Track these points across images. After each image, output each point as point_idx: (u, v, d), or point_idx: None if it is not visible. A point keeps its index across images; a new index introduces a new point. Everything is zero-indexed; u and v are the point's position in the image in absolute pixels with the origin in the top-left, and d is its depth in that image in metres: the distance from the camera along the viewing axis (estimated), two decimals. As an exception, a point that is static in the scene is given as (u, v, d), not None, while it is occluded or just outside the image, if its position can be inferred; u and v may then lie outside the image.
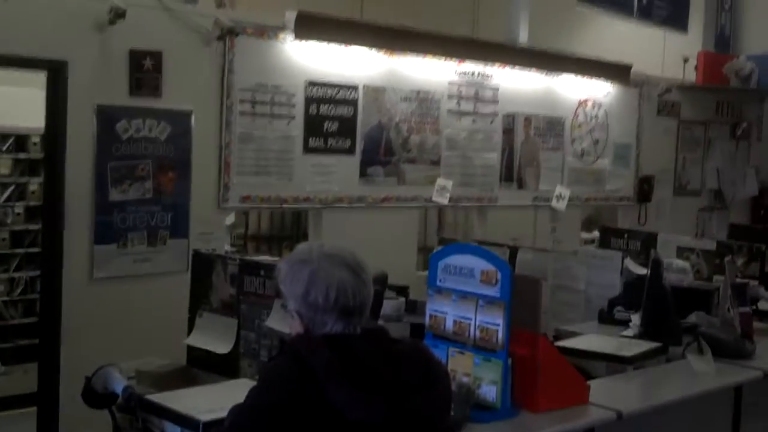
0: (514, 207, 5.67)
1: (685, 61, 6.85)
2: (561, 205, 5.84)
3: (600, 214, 6.80)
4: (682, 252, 4.66)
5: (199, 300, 3.02)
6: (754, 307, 3.98)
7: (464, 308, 2.59)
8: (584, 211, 6.58)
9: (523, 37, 5.72)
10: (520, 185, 5.69)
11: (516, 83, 5.56)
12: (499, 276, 2.52)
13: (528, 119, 5.67)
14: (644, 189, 6.63)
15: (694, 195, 7.15)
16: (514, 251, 4.36)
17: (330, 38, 4.52)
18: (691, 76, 6.93)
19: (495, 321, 2.52)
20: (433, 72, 5.08)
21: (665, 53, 6.79)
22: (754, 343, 3.51)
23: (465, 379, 2.54)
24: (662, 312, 3.58)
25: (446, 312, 2.64)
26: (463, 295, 2.59)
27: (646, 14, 6.17)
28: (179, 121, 4.03)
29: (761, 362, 3.38)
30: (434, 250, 2.83)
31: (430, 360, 2.08)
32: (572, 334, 3.54)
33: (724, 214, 7.13)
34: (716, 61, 6.97)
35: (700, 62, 6.92)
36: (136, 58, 3.87)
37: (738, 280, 4.02)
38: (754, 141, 7.57)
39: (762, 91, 7.11)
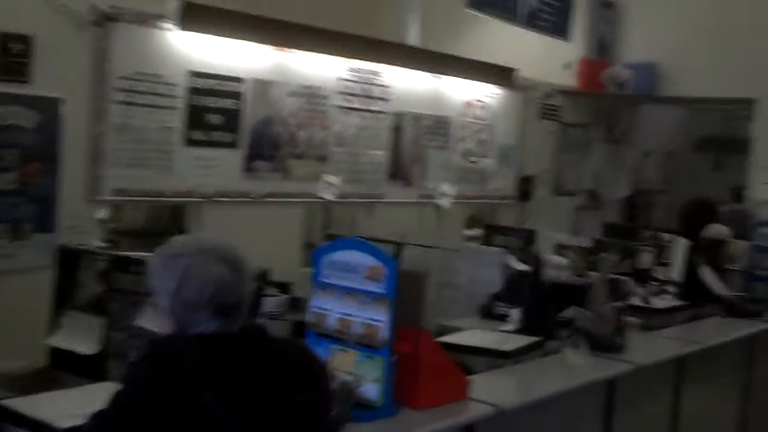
0: (400, 204, 5.69)
1: (567, 67, 7.06)
2: (446, 203, 5.91)
3: (483, 212, 6.92)
4: (559, 249, 4.79)
5: (64, 298, 2.87)
6: (625, 303, 4.14)
7: (348, 305, 2.57)
8: (468, 208, 6.68)
9: (413, 38, 5.75)
10: (407, 183, 5.72)
11: (405, 82, 5.58)
12: (384, 272, 2.51)
13: (416, 118, 5.71)
14: (525, 188, 6.79)
15: (572, 195, 7.37)
16: (399, 247, 4.38)
17: (217, 30, 4.41)
18: (572, 81, 7.14)
19: (379, 318, 2.51)
20: (322, 68, 5.04)
21: (550, 59, 6.97)
22: (626, 337, 3.63)
23: (346, 378, 2.51)
24: (541, 307, 3.66)
25: (330, 309, 2.60)
26: (348, 292, 2.56)
27: (531, 21, 6.30)
28: (48, 109, 3.81)
29: (632, 356, 3.51)
30: (321, 245, 2.79)
31: (311, 359, 2.04)
32: (454, 330, 3.57)
33: (599, 214, 7.38)
34: (596, 67, 7.20)
35: (580, 69, 7.14)
36: (3, 42, 3.64)
37: (611, 276, 4.18)
38: (628, 145, 7.88)
39: (637, 98, 7.41)
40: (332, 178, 5.03)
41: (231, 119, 4.55)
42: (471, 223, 6.73)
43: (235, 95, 4.56)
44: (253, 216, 4.70)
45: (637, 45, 7.37)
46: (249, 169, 4.66)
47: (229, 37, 4.47)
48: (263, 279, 2.93)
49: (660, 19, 7.34)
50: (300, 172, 4.93)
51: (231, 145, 4.57)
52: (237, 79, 4.57)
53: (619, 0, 7.47)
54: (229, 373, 1.78)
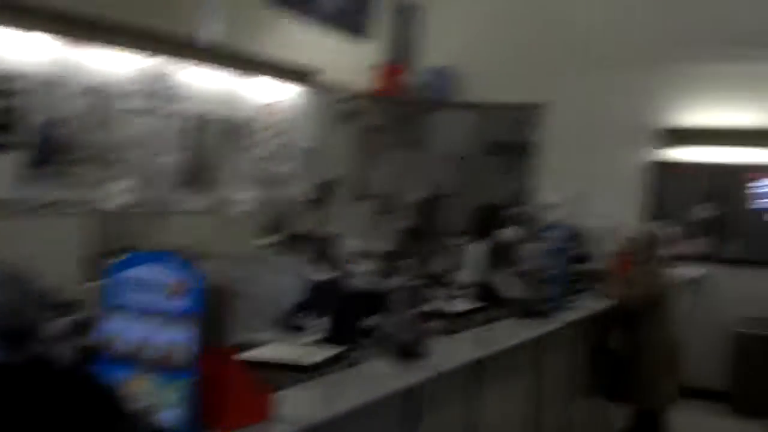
0: (195, 212, 5.47)
1: (366, 70, 7.12)
2: (243, 209, 5.75)
3: (282, 218, 6.81)
4: (360, 255, 4.78)
5: None
6: (424, 308, 4.19)
7: (146, 325, 2.38)
8: (266, 214, 6.55)
9: (213, 35, 5.53)
10: (202, 189, 5.50)
11: (202, 82, 5.36)
12: (188, 287, 2.35)
13: (211, 120, 5.51)
14: (325, 193, 6.75)
15: (370, 199, 7.44)
16: (195, 259, 4.18)
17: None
18: (372, 85, 7.21)
19: (181, 338, 2.34)
20: (111, 65, 4.72)
21: (352, 62, 6.99)
22: (427, 343, 3.66)
23: (143, 405, 2.33)
24: (344, 316, 3.62)
25: (124, 330, 2.41)
26: (146, 310, 2.38)
27: (331, 21, 6.27)
28: None
29: (434, 361, 3.54)
30: (110, 260, 2.57)
31: (105, 390, 1.89)
32: (256, 344, 3.45)
33: (396, 218, 7.50)
34: (395, 72, 7.32)
35: (380, 73, 7.23)
36: None
37: (411, 281, 4.21)
38: (424, 149, 8.07)
39: (433, 103, 7.60)
40: (121, 185, 4.73)
41: (7, 120, 4.15)
42: (269, 229, 6.61)
43: (12, 94, 4.17)
44: (31, 227, 4.31)
45: (436, 50, 7.56)
46: (27, 175, 4.27)
47: (11, 27, 4.08)
48: (44, 300, 2.67)
49: (457, 25, 7.58)
50: (85, 179, 4.59)
51: (6, 148, 4.17)
52: (14, 77, 4.18)
53: (420, 5, 7.63)
54: (16, 410, 1.64)
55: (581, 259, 5.91)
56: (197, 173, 5.44)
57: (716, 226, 7.57)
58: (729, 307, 7.35)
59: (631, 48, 7.36)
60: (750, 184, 7.45)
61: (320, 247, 4.97)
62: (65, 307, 2.93)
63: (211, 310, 2.39)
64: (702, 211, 7.61)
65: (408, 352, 3.53)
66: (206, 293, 2.35)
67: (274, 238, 5.87)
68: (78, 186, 4.55)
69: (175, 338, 2.34)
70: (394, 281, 4.11)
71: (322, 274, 4.08)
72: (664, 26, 7.34)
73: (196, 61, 5.26)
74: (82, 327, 2.81)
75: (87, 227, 5.09)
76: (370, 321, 3.67)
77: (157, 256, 2.44)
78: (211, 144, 5.53)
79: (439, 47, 7.57)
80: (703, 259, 7.48)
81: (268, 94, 6.01)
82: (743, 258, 7.47)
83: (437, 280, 4.95)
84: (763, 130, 7.31)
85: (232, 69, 5.57)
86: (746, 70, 7.19)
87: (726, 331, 7.24)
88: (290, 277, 4.14)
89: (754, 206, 7.47)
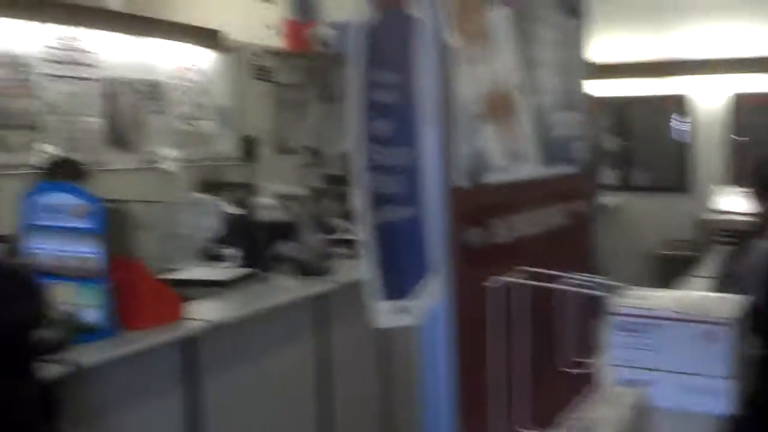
0: (123, 171, 5.79)
1: (271, 29, 7.42)
2: (170, 167, 6.10)
3: (214, 175, 7.11)
4: (278, 198, 5.19)
5: None
6: (333, 236, 4.67)
7: (60, 242, 2.80)
8: (198, 172, 6.85)
9: (116, 1, 5.79)
10: (128, 148, 5.83)
11: (113, 47, 5.67)
12: (90, 209, 2.77)
13: (128, 83, 5.81)
14: (248, 149, 7.11)
15: (294, 153, 7.80)
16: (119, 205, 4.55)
17: None
18: (280, 42, 7.52)
19: (91, 251, 2.77)
20: (25, 34, 5.02)
21: (257, 21, 7.29)
22: (332, 261, 4.12)
23: (68, 308, 2.75)
24: (254, 243, 4.06)
25: (44, 247, 2.83)
26: (58, 230, 2.80)
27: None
28: None
29: (337, 277, 4.00)
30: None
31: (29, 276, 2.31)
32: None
33: (323, 169, 7.86)
34: (302, 28, 7.62)
35: (287, 30, 7.53)
36: None
37: (322, 215, 4.65)
38: (342, 102, 8.40)
39: (342, 56, 7.91)
40: (47, 147, 5.06)
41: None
42: (203, 187, 6.93)
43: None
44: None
45: (341, 3, 7.85)
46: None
47: None
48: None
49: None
50: (12, 142, 4.92)
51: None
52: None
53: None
54: None
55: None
56: (121, 134, 5.78)
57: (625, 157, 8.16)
58: (646, 232, 7.93)
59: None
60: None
61: (243, 193, 5.36)
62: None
63: (114, 228, 2.82)
64: (609, 143, 8.14)
65: (313, 270, 3.98)
66: (106, 215, 2.78)
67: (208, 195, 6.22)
68: (7, 149, 4.87)
69: (86, 251, 2.77)
70: (301, 212, 4.56)
71: (237, 210, 4.49)
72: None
73: (101, 27, 5.55)
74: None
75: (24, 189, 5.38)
76: (279, 247, 4.10)
77: (60, 185, 2.87)
78: (133, 105, 5.87)
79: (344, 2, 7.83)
80: (614, 188, 7.98)
81: (180, 56, 6.34)
82: (653, 186, 8.05)
83: (351, 216, 5.38)
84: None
85: (137, 33, 5.87)
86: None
87: (647, 254, 7.79)
88: (208, 215, 4.56)
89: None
